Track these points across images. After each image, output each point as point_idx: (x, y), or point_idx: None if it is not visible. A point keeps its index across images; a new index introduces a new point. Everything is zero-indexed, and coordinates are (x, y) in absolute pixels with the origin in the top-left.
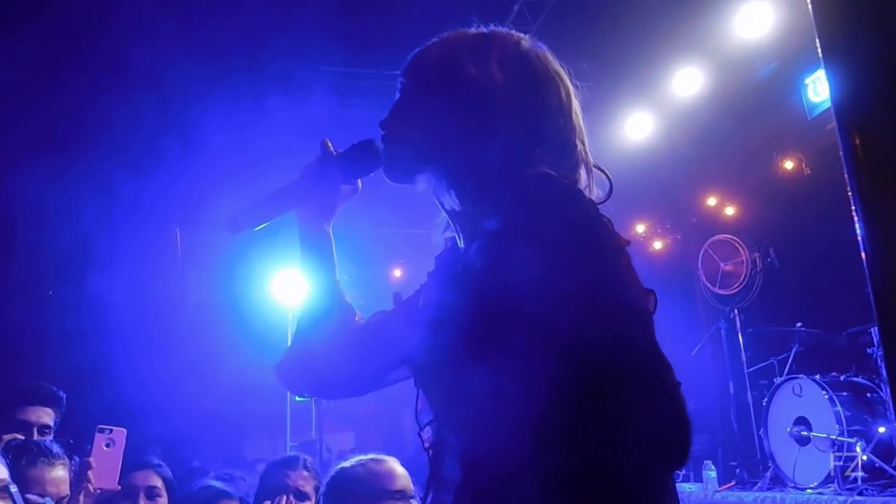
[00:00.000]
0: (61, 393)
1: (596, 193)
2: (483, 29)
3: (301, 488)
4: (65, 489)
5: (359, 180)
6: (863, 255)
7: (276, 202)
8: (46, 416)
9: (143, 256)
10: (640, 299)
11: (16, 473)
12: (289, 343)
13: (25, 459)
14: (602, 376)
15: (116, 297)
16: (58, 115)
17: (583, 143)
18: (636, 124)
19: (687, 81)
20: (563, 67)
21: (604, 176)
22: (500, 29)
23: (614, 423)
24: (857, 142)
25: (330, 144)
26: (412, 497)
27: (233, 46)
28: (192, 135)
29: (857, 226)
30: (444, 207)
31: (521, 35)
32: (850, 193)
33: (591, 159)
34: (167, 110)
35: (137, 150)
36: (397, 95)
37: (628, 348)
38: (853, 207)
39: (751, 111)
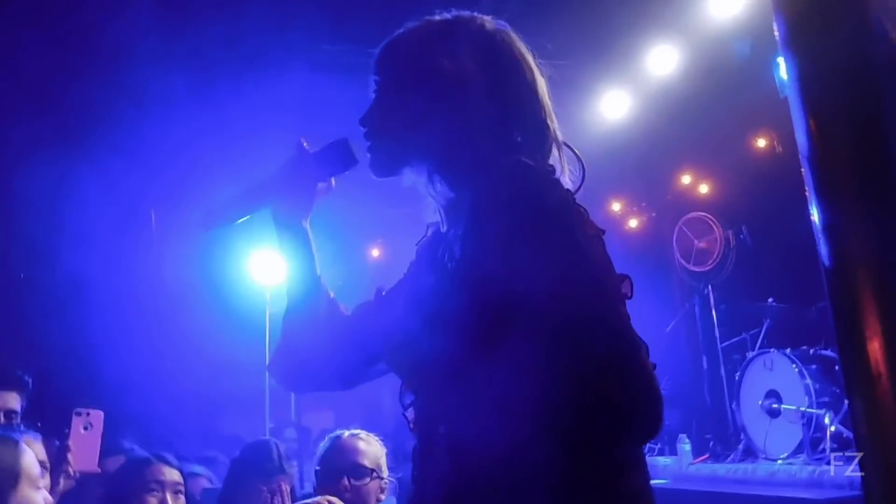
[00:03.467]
0: (27, 377)
1: (568, 170)
2: (446, 15)
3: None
4: None
5: (332, 178)
6: (818, 242)
7: (250, 199)
8: (13, 400)
9: (119, 235)
10: (617, 284)
11: None
12: (267, 335)
13: None
14: (587, 361)
15: (92, 276)
16: (29, 92)
17: (552, 121)
18: (612, 103)
19: (662, 59)
20: (525, 46)
21: (574, 154)
22: (462, 13)
23: (599, 409)
24: (813, 126)
25: (305, 143)
26: (378, 474)
27: (211, 23)
28: (168, 113)
29: (811, 212)
30: (430, 195)
31: (484, 17)
32: (804, 177)
33: (560, 136)
34: (142, 88)
35: (113, 127)
36: (372, 94)
37: (611, 333)
38: (807, 192)
39: (725, 89)
